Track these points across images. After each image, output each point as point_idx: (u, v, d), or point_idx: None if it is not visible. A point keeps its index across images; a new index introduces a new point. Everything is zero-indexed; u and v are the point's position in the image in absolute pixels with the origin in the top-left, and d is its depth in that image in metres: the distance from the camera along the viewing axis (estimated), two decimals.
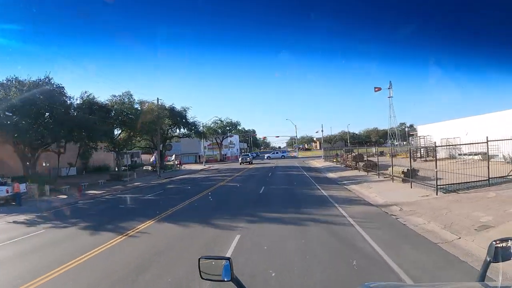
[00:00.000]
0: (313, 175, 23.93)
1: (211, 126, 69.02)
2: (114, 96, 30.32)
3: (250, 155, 51.11)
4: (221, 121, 68.36)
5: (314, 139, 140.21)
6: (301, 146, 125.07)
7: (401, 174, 17.01)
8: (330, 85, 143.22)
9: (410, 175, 15.25)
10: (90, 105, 28.57)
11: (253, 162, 45.99)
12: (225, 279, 1.68)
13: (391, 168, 18.68)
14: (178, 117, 38.32)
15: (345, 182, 18.99)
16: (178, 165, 47.33)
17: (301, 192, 14.79)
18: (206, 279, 1.75)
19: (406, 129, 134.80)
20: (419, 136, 34.26)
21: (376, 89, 40.67)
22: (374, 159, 28.16)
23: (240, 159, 46.20)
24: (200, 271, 1.75)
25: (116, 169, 40.20)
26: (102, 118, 28.30)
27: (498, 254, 1.62)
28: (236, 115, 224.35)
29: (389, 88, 40.81)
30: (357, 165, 25.53)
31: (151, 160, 51.16)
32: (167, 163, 48.82)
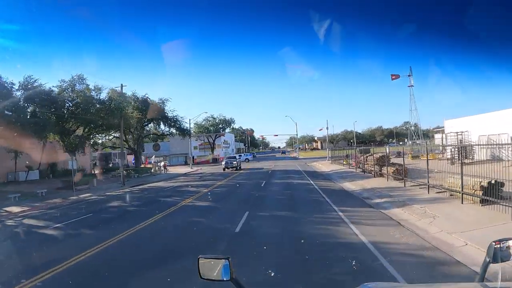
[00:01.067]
0: (323, 185, 16.96)
1: (202, 123, 62.14)
2: (63, 81, 23.38)
3: (239, 156, 39.02)
4: (213, 118, 61.49)
5: (315, 138, 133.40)
6: (301, 146, 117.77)
7: (476, 191, 10.14)
8: (331, 83, 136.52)
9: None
10: (31, 94, 21.81)
11: (241, 167, 34.30)
12: (225, 279, 1.64)
13: (448, 177, 11.83)
14: (154, 110, 31.36)
15: (378, 200, 12.06)
16: (163, 168, 40.18)
17: (312, 232, 7.77)
18: (206, 279, 1.71)
19: (412, 127, 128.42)
20: (452, 133, 27.31)
21: (394, 77, 33.78)
22: (397, 160, 21.31)
23: (223, 163, 32.92)
24: (199, 271, 1.70)
25: (91, 173, 33.48)
26: (42, 108, 21.47)
27: (497, 254, 1.61)
28: (234, 114, 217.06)
29: (409, 76, 33.92)
30: (382, 171, 18.63)
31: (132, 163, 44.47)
32: (147, 166, 41.94)
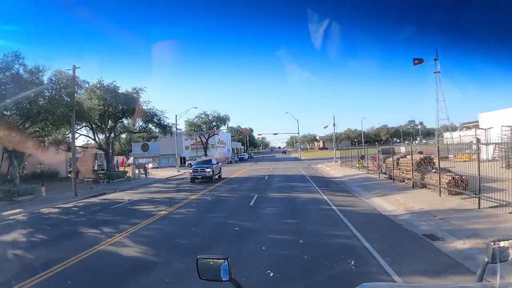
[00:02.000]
0: (344, 204, 11.10)
1: (194, 121, 56.42)
2: None
3: (212, 162, 23.24)
4: (206, 115, 55.69)
5: (317, 137, 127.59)
6: (302, 146, 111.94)
7: None
8: (332, 82, 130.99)
9: None
10: None
11: (221, 176, 24.11)
12: (224, 279, 1.65)
13: None
14: (125, 101, 25.62)
15: (460, 245, 6.26)
16: (144, 171, 34.32)
17: None
18: (205, 279, 1.71)
19: (419, 126, 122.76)
20: (506, 127, 21.44)
21: (416, 61, 27.99)
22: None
23: (190, 171, 22.36)
24: (198, 271, 1.70)
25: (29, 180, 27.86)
26: None
27: (496, 254, 1.62)
28: (233, 114, 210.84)
29: (435, 60, 27.98)
30: (426, 180, 12.90)
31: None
32: (124, 169, 36.18)
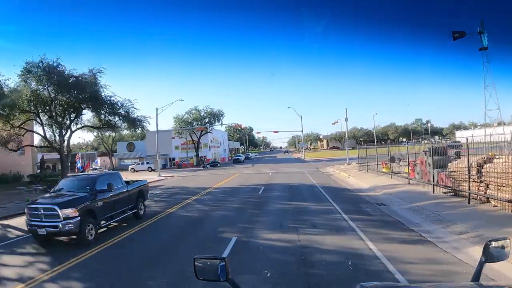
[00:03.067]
0: (426, 275, 4.72)
1: (184, 117, 50.08)
2: None
3: (97, 187, 8.41)
4: (197, 110, 49.31)
5: (321, 137, 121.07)
6: (305, 146, 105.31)
7: None
8: (333, 81, 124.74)
9: None
10: None
11: (143, 214, 10.36)
12: (221, 279, 1.61)
13: None
14: (76, 87, 19.28)
15: None
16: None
17: None
18: (202, 279, 1.66)
19: (429, 125, 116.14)
20: None
21: (457, 35, 21.50)
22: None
23: (25, 210, 7.95)
24: (195, 271, 1.65)
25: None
26: None
27: (492, 254, 1.60)
28: (233, 113, 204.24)
29: (479, 34, 21.42)
30: None
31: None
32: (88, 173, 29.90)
